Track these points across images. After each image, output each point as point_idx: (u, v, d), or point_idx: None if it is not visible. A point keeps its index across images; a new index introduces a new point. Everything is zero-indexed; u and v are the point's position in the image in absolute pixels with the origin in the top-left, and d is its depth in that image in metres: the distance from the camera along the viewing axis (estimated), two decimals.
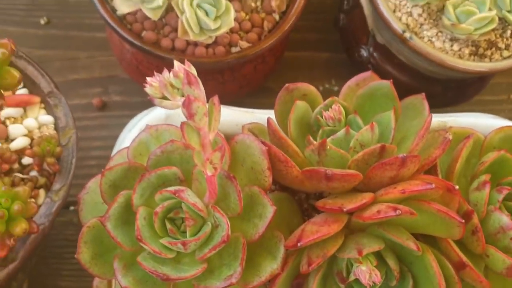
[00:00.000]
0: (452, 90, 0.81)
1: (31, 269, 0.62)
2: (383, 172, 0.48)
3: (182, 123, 0.41)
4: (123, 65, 0.77)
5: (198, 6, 0.60)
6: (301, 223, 0.53)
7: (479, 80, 0.81)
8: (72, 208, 0.77)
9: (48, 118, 0.59)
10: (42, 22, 0.87)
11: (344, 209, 0.46)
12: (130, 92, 0.84)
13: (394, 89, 0.55)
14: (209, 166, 0.43)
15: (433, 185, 0.46)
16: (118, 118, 0.83)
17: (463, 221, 0.47)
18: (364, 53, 0.79)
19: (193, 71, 0.41)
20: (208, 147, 0.43)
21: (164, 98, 0.42)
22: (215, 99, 0.42)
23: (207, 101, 0.43)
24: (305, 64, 0.91)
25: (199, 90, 0.40)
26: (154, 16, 0.62)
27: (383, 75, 0.79)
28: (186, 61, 0.41)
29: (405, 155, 0.47)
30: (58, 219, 0.76)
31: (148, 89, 0.42)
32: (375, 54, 0.78)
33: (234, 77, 0.74)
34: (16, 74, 0.42)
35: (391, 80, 0.55)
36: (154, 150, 0.49)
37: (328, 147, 0.49)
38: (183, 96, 0.41)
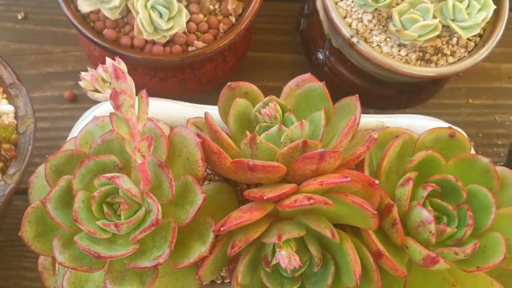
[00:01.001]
0: (405, 93, 0.84)
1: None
2: (305, 165, 0.51)
3: (111, 114, 0.45)
4: (91, 61, 0.81)
5: (152, 7, 0.64)
6: None
7: (432, 84, 0.85)
8: None
9: (8, 107, 0.63)
10: (20, 17, 0.91)
11: (265, 197, 0.50)
12: None
13: (327, 90, 0.59)
14: (138, 154, 0.47)
15: (349, 178, 0.50)
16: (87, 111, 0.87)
17: (375, 212, 0.51)
18: (320, 56, 0.83)
19: (123, 66, 0.45)
20: (137, 136, 0.47)
21: (96, 91, 0.46)
22: (143, 92, 0.46)
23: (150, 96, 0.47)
24: (271, 65, 0.95)
25: (126, 84, 0.44)
26: (112, 15, 0.67)
27: (338, 77, 0.84)
28: (116, 58, 0.45)
29: (324, 150, 0.50)
30: (24, 205, 0.81)
31: (81, 83, 0.46)
32: (331, 58, 0.82)
33: (194, 74, 0.78)
34: None
35: (324, 82, 0.59)
36: (96, 139, 0.53)
37: (258, 141, 0.53)
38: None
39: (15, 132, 0.60)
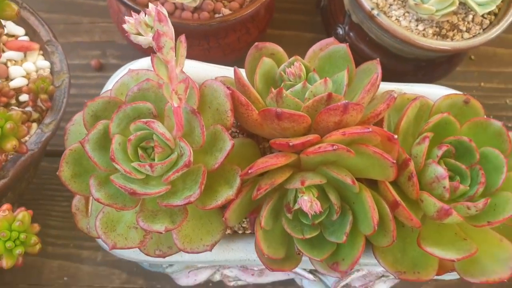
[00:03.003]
0: (422, 69, 0.87)
1: (21, 193, 0.69)
2: (328, 116, 0.54)
3: (152, 55, 0.48)
4: (120, 30, 0.85)
5: None
6: None
7: (447, 61, 0.87)
8: None
9: (44, 63, 0.67)
10: None
11: (290, 144, 0.53)
12: (126, 57, 0.92)
13: (350, 52, 0.62)
14: (175, 97, 0.50)
15: (370, 129, 0.53)
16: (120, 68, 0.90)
17: (394, 161, 0.53)
18: (340, 31, 0.86)
19: (164, 11, 0.48)
20: (174, 79, 0.50)
21: (138, 34, 0.49)
22: (182, 37, 0.49)
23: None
24: (290, 43, 0.98)
25: (168, 27, 0.47)
26: None
27: (357, 52, 0.87)
28: (158, 3, 0.48)
29: (347, 101, 0.53)
30: (50, 166, 0.84)
31: (125, 26, 0.49)
32: (350, 33, 0.85)
33: (218, 44, 0.81)
34: (15, 7, 0.49)
35: (347, 44, 0.62)
36: (132, 87, 0.56)
37: (284, 95, 0.56)
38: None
39: (52, 84, 0.63)
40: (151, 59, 0.49)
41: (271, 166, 0.53)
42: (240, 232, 0.63)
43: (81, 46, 0.92)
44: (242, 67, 0.87)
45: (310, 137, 0.54)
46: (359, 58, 0.87)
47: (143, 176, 0.54)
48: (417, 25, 0.78)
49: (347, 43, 0.62)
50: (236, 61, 0.89)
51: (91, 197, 0.58)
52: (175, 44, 0.49)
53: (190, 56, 0.82)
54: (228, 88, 0.57)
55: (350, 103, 0.54)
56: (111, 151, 0.53)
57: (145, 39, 0.49)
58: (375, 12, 0.75)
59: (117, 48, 0.92)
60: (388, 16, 0.77)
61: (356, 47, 0.86)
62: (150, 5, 0.48)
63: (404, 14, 0.78)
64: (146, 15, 0.48)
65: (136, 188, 0.51)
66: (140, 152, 0.54)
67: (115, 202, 0.53)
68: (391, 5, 0.78)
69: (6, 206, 0.52)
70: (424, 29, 0.78)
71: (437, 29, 0.78)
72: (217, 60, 0.85)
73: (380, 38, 0.80)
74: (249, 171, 0.53)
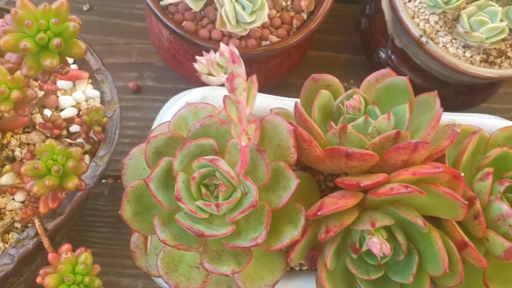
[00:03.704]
0: (462, 94, 0.86)
1: (70, 228, 0.68)
2: (397, 155, 0.53)
3: (225, 96, 0.47)
4: (160, 53, 0.83)
5: (236, 0, 0.66)
6: (318, 200, 0.59)
7: (488, 87, 0.86)
8: (104, 181, 0.84)
9: (95, 92, 0.65)
10: (85, 8, 0.93)
11: (362, 185, 0.51)
12: (163, 79, 0.90)
13: (410, 84, 0.60)
14: (244, 137, 0.49)
15: (441, 169, 0.52)
16: (151, 102, 0.89)
17: (467, 202, 0.52)
18: (382, 55, 0.85)
19: (236, 52, 0.47)
20: (244, 119, 0.48)
21: (210, 74, 0.48)
22: (254, 77, 0.48)
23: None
24: (326, 64, 0.97)
25: (241, 68, 0.46)
26: (196, 7, 0.69)
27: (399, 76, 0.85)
28: (230, 44, 0.47)
29: (418, 140, 0.52)
30: (96, 190, 0.83)
31: (197, 66, 0.47)
32: (393, 57, 0.84)
33: (261, 69, 0.80)
34: (83, 45, 0.48)
35: (407, 77, 0.60)
36: (194, 123, 0.55)
37: (349, 131, 0.55)
38: (226, 74, 0.47)
39: (105, 116, 0.62)
40: (224, 100, 0.48)
41: (341, 208, 0.51)
42: (297, 269, 0.62)
43: (117, 68, 0.91)
44: (281, 92, 0.87)
45: (380, 177, 0.52)
46: None
47: (207, 215, 0.52)
48: (464, 52, 0.77)
49: (406, 76, 0.61)
50: (276, 84, 0.88)
51: (150, 236, 0.56)
52: (248, 84, 0.48)
53: None
54: (290, 123, 0.55)
55: (420, 142, 0.52)
56: (176, 190, 0.51)
57: (217, 80, 0.47)
58: (424, 39, 0.74)
59: (153, 70, 0.91)
60: (435, 43, 0.76)
61: (399, 70, 0.85)
62: (222, 45, 0.47)
63: (451, 41, 0.77)
64: (218, 55, 0.47)
65: (203, 230, 0.50)
66: (203, 190, 0.53)
67: (181, 243, 0.51)
68: (438, 31, 0.77)
69: (66, 247, 0.51)
70: (471, 56, 0.76)
71: (485, 56, 0.77)
72: (259, 85, 0.84)
73: (425, 64, 0.79)
74: (319, 213, 0.51)
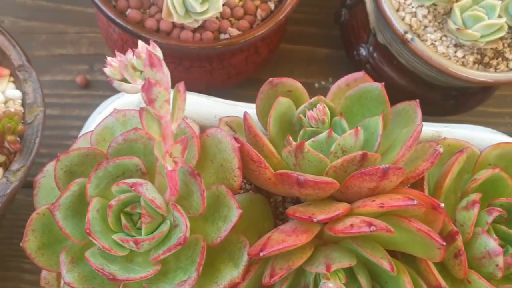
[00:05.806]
0: (452, 98, 0.76)
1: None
2: (362, 182, 0.43)
3: (141, 109, 0.37)
4: (109, 44, 0.73)
5: None
6: (271, 228, 0.50)
7: (482, 91, 0.76)
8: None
9: (15, 93, 0.56)
10: None
11: (315, 220, 0.42)
12: None
13: (386, 93, 0.51)
14: (169, 160, 0.39)
15: (415, 202, 0.42)
16: (101, 98, 0.77)
17: (445, 244, 0.43)
18: (363, 52, 0.75)
19: (158, 53, 0.37)
20: (169, 138, 0.39)
21: (125, 80, 0.38)
22: (181, 85, 0.38)
23: (173, 87, 0.39)
24: (303, 59, 0.87)
25: (162, 74, 0.36)
26: None
27: (381, 76, 0.75)
28: (151, 42, 0.37)
29: (387, 166, 0.43)
30: (26, 199, 0.73)
31: (107, 70, 0.38)
32: (374, 54, 0.74)
33: (223, 65, 0.70)
34: None
35: (383, 83, 0.50)
36: (116, 138, 0.45)
37: (306, 150, 0.45)
38: (144, 80, 0.37)
39: (22, 122, 0.52)
40: (140, 113, 0.38)
41: (290, 247, 0.42)
42: None
43: (66, 60, 0.81)
44: (248, 90, 0.77)
45: (340, 209, 0.43)
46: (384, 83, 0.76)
47: (126, 252, 0.43)
48: (455, 51, 0.66)
49: (382, 83, 0.51)
50: (242, 83, 0.77)
51: None
52: (173, 94, 0.38)
53: (189, 79, 0.71)
54: (236, 139, 0.46)
55: (391, 167, 0.43)
56: (87, 222, 0.42)
57: (133, 87, 0.37)
58: (408, 36, 0.64)
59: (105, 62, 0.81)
60: (423, 40, 0.66)
61: (381, 70, 0.75)
62: (140, 43, 0.37)
63: (441, 38, 0.66)
64: (135, 56, 0.37)
65: (116, 273, 0.41)
66: (123, 220, 0.43)
67: (91, 287, 0.42)
68: (426, 27, 0.67)
69: None
70: (463, 56, 0.66)
71: (479, 57, 0.67)
72: (220, 83, 0.74)
73: (411, 63, 0.69)
74: (261, 253, 0.42)
